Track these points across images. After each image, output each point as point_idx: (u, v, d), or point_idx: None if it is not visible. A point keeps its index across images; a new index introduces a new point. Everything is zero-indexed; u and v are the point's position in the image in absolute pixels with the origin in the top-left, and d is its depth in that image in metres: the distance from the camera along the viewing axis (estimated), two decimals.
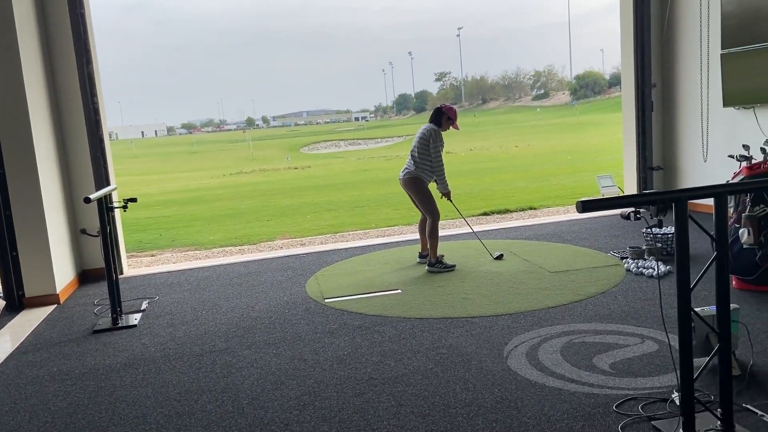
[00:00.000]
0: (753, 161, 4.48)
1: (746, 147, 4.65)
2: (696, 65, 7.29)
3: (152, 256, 8.15)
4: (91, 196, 4.55)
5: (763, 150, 4.50)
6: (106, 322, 4.85)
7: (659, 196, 2.36)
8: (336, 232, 8.92)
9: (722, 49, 6.73)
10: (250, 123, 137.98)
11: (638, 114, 7.79)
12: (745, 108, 6.69)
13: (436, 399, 3.16)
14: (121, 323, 4.77)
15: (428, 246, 5.80)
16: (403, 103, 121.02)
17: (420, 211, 5.97)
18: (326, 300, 5.05)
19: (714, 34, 6.94)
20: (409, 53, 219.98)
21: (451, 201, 5.99)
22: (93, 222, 6.27)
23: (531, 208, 9.70)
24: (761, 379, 3.11)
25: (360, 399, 3.22)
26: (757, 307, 4.13)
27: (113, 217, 6.32)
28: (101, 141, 6.36)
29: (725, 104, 6.78)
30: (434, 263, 5.72)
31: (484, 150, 27.49)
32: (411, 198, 5.95)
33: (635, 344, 3.69)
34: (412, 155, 5.82)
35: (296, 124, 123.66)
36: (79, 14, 6.11)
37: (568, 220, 7.75)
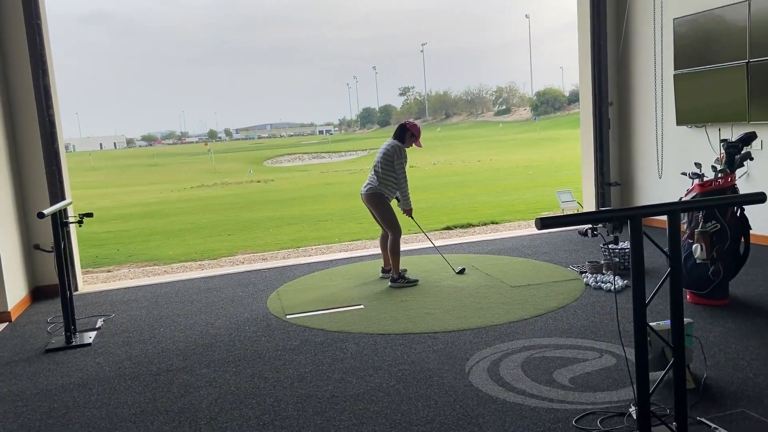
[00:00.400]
0: (705, 179, 4.62)
1: (698, 165, 4.78)
2: (651, 84, 7.51)
3: (108, 272, 7.97)
4: (45, 211, 4.43)
5: (714, 168, 4.64)
6: (59, 340, 4.70)
7: (615, 213, 2.41)
8: (298, 247, 8.86)
9: (675, 69, 6.95)
10: (212, 135, 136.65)
11: (596, 131, 7.97)
12: (697, 127, 6.90)
13: (398, 417, 3.14)
14: (75, 342, 4.64)
15: (390, 261, 5.80)
16: (367, 117, 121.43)
17: (381, 226, 5.99)
18: (288, 316, 5.00)
19: (667, 55, 7.17)
20: (374, 68, 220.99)
21: (412, 218, 6.02)
22: (47, 237, 6.11)
23: (493, 223, 9.80)
24: (714, 392, 3.19)
25: (321, 418, 3.19)
26: (710, 321, 4.24)
27: (68, 232, 6.15)
28: (57, 154, 6.21)
29: (678, 123, 6.99)
30: (397, 279, 5.73)
31: (448, 164, 27.74)
32: (372, 213, 5.96)
33: (594, 358, 3.74)
34: (375, 170, 5.83)
35: (260, 137, 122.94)
36: (35, 24, 5.98)
37: (529, 235, 7.85)
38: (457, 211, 11.58)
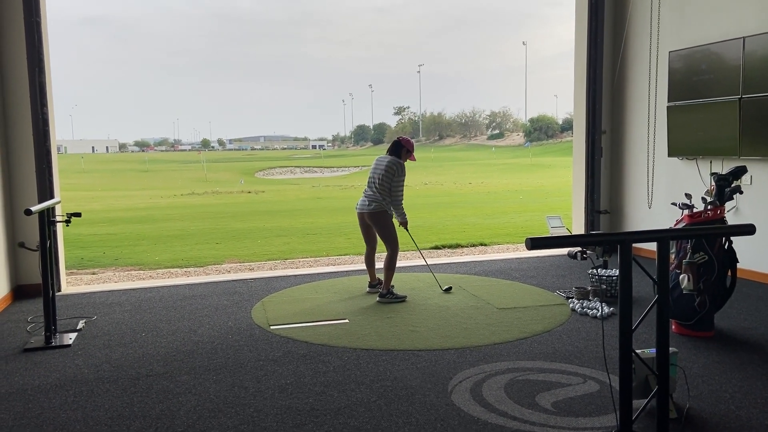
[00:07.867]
0: (694, 210, 4.65)
1: (688, 196, 4.82)
2: (644, 115, 7.58)
3: (93, 274, 7.88)
4: (33, 209, 4.38)
5: (704, 200, 4.67)
6: (38, 340, 4.64)
7: (605, 237, 2.42)
8: (286, 259, 8.81)
9: (669, 101, 7.02)
10: (205, 144, 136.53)
11: (588, 159, 8.02)
12: (688, 159, 6.96)
13: None
14: (55, 342, 4.57)
15: (383, 276, 5.79)
16: (361, 134, 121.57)
17: (367, 244, 6.05)
18: (272, 327, 4.96)
19: (661, 86, 7.25)
20: (370, 86, 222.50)
21: (407, 231, 6.03)
22: (33, 235, 6.04)
23: (482, 244, 9.81)
24: (696, 423, 3.18)
25: (300, 430, 3.15)
26: (695, 352, 4.25)
27: (54, 231, 6.10)
28: (48, 153, 6.17)
29: (670, 154, 7.05)
30: (386, 294, 5.71)
31: (439, 185, 27.80)
32: (368, 230, 5.96)
33: (577, 384, 3.73)
34: (376, 187, 5.77)
35: (252, 149, 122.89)
36: (35, 22, 5.97)
37: (516, 258, 7.86)
38: (447, 231, 11.59)
